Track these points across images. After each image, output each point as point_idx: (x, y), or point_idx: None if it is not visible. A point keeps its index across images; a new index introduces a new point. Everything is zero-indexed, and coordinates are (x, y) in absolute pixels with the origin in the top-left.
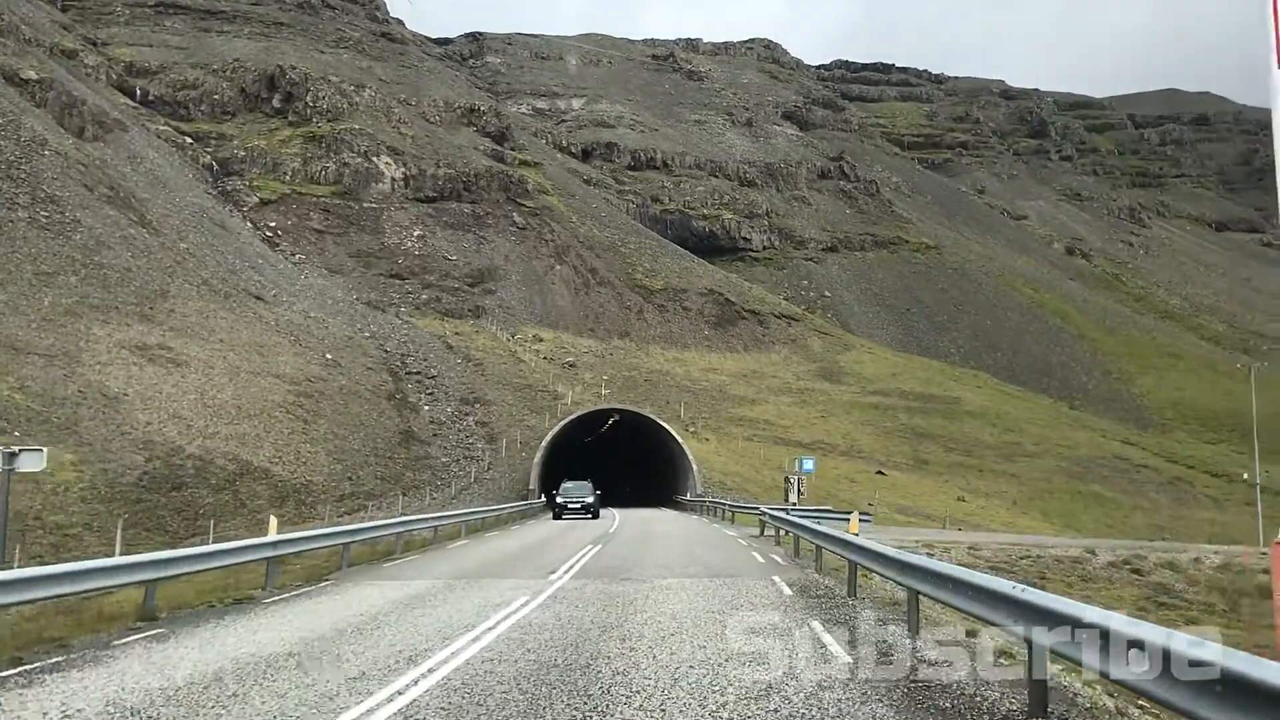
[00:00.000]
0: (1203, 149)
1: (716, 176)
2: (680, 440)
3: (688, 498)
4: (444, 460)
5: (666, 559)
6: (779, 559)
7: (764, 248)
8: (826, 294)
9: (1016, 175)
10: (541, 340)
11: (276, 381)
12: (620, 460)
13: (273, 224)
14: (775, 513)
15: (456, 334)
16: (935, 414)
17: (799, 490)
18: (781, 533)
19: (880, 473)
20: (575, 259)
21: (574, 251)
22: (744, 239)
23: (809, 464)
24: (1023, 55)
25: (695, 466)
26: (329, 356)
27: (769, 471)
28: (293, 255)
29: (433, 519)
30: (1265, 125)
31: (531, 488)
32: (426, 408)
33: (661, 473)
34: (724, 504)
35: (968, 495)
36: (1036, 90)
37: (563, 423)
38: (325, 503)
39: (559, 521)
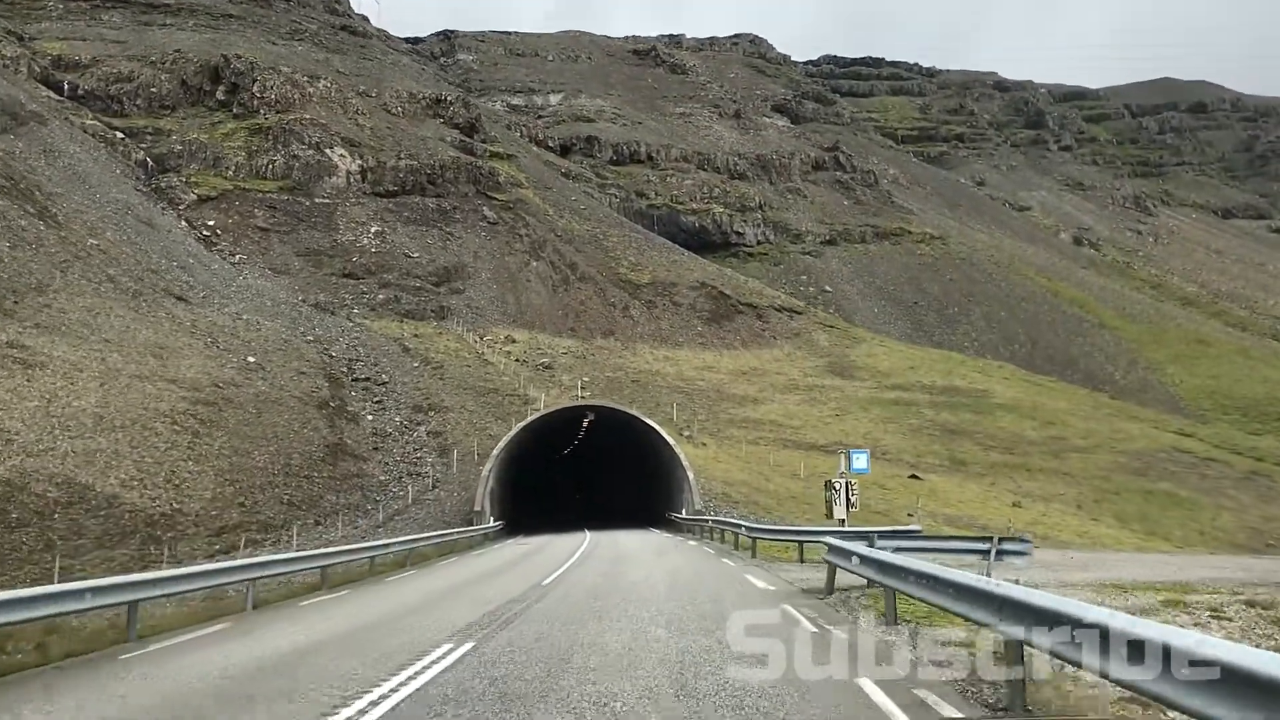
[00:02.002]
0: (1202, 136)
1: (705, 169)
2: (672, 443)
3: (683, 515)
4: (383, 478)
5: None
6: None
7: (758, 242)
8: (827, 289)
9: (1016, 166)
10: (514, 341)
11: (170, 387)
12: (605, 474)
13: (211, 222)
14: (871, 553)
15: (415, 336)
16: (964, 408)
17: (848, 500)
18: (868, 588)
19: (915, 476)
20: (553, 254)
21: (551, 246)
22: (736, 233)
23: (861, 461)
24: (1010, 48)
25: (692, 476)
26: (251, 360)
27: (780, 479)
28: (232, 255)
29: (164, 579)
30: (1264, 111)
31: (479, 509)
32: (370, 417)
33: (651, 486)
34: (738, 526)
35: (1023, 500)
36: (1030, 81)
37: (522, 425)
38: (196, 537)
39: (500, 555)
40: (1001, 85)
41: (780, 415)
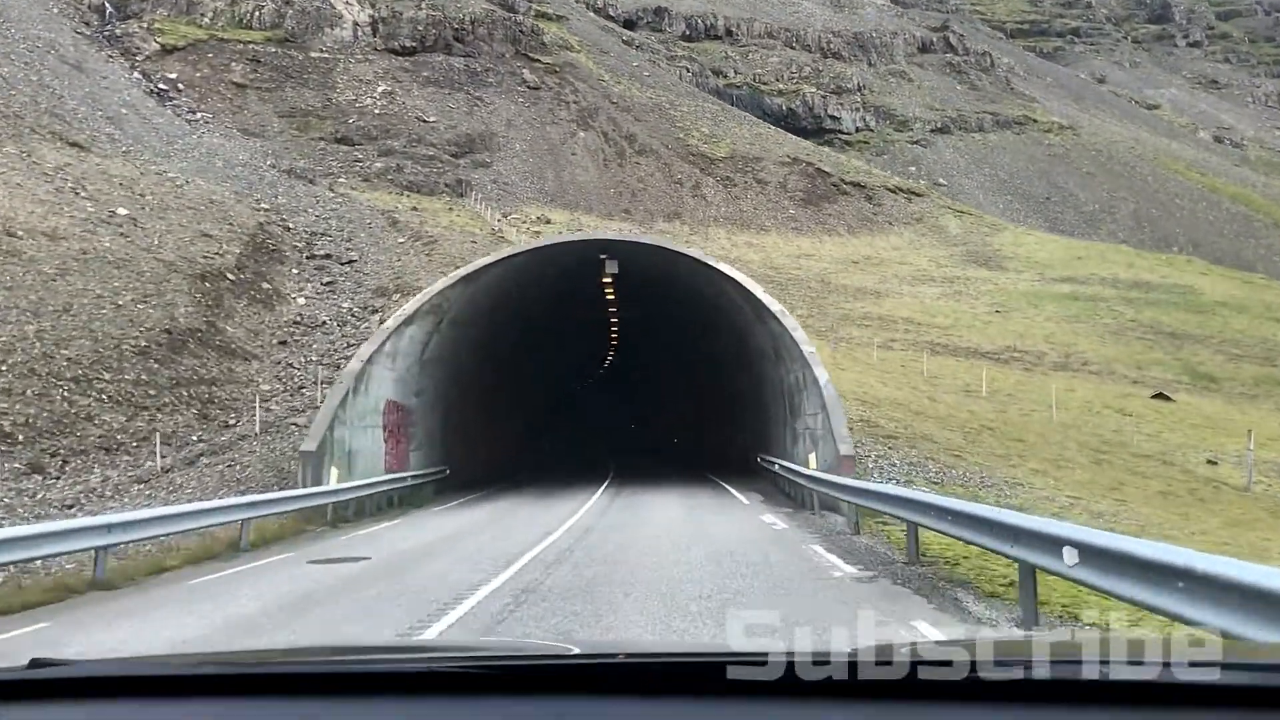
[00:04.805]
0: None
1: (793, 47)
2: (777, 313)
3: (812, 469)
4: (266, 387)
5: None
6: None
7: (857, 129)
8: (941, 181)
9: (1139, 63)
10: (548, 222)
11: None
12: (652, 382)
13: (173, 75)
14: None
15: (415, 210)
16: (1173, 306)
17: None
18: None
19: (1162, 395)
20: (606, 124)
21: (605, 115)
22: (832, 118)
23: None
24: None
25: (824, 378)
26: (121, 211)
27: (950, 398)
28: (192, 112)
29: None
30: None
31: (312, 448)
32: (302, 300)
33: (730, 402)
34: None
35: None
36: None
37: (461, 275)
38: None
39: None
40: None
41: (917, 312)
